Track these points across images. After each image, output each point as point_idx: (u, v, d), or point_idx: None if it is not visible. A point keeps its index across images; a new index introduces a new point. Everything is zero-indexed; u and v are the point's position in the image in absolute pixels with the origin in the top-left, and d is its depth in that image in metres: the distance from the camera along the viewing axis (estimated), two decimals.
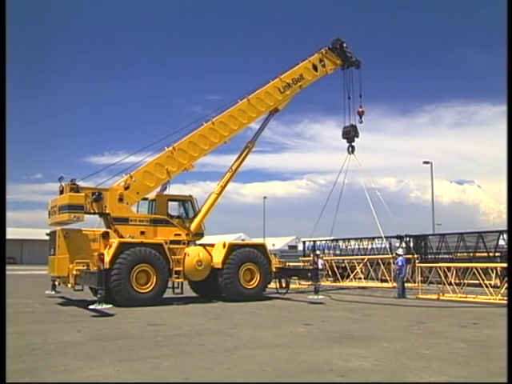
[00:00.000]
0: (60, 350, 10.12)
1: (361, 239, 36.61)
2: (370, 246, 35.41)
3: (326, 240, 39.15)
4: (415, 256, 29.20)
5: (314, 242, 39.40)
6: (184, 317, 16.08)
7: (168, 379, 7.86)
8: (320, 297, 21.21)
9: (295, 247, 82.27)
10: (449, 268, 23.25)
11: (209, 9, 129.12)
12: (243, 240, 59.80)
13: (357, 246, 36.92)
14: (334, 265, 33.12)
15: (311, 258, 25.36)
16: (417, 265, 25.71)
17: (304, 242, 42.10)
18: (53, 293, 21.71)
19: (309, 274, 23.24)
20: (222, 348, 10.41)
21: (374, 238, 34.41)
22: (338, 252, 38.90)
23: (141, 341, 11.35)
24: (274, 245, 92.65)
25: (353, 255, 35.74)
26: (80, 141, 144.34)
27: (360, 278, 31.24)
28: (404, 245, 32.24)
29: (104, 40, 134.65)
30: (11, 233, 78.84)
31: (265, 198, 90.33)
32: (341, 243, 39.17)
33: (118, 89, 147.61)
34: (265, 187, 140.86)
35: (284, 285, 23.64)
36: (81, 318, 15.31)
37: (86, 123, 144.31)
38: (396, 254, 25.25)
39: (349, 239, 38.43)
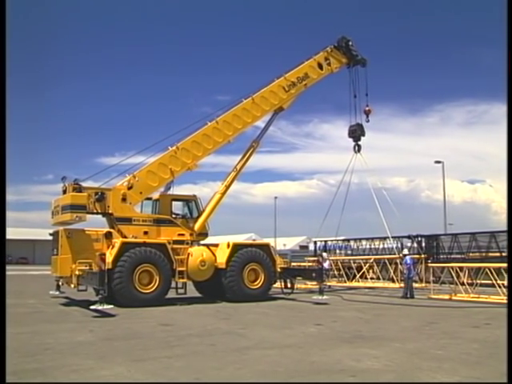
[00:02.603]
0: (72, 350, 10.17)
1: (372, 239, 36.47)
2: (381, 246, 35.27)
3: (338, 240, 39.05)
4: (422, 256, 29.09)
5: (326, 242, 39.29)
6: (195, 317, 16.11)
7: (179, 379, 7.88)
8: (325, 297, 21.01)
9: (306, 247, 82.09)
10: (461, 268, 23.08)
11: (219, 9, 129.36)
12: (254, 240, 59.87)
13: (368, 246, 36.79)
14: (340, 265, 32.94)
15: (316, 259, 25.17)
16: (429, 265, 25.60)
17: (315, 242, 41.97)
18: (57, 293, 21.65)
19: (313, 275, 23.05)
20: (233, 348, 10.42)
21: (385, 238, 34.24)
22: (349, 252, 38.78)
23: (152, 341, 11.39)
24: (285, 245, 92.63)
25: (364, 255, 35.60)
26: (90, 142, 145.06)
27: (366, 278, 31.12)
28: (416, 245, 32.14)
29: (114, 40, 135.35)
30: (23, 233, 79.73)
31: (276, 198, 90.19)
32: (352, 243, 39.06)
33: (127, 89, 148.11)
34: (275, 187, 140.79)
35: (289, 285, 23.45)
36: (91, 318, 15.35)
37: (96, 124, 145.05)
38: (403, 254, 25.13)
39: (360, 239, 38.30)
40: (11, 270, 54.06)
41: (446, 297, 21.52)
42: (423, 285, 27.66)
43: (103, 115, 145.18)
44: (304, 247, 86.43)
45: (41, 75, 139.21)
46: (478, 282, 21.77)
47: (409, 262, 23.30)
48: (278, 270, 22.47)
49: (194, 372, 8.29)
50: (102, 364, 8.85)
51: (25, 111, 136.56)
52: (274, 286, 22.82)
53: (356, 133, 29.28)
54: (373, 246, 36.20)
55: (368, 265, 31.63)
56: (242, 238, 74.52)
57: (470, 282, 22.42)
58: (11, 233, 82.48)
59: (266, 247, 22.65)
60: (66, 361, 9.12)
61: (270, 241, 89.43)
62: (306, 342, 11.13)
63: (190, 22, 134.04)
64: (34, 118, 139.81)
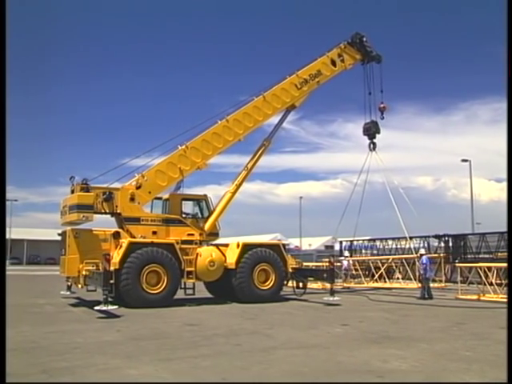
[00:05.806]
0: (100, 349, 10.29)
1: (398, 239, 36.08)
2: (407, 246, 34.88)
3: (363, 240, 38.77)
4: (441, 255, 28.70)
5: (351, 241, 39.03)
6: (221, 317, 16.17)
7: (206, 379, 7.92)
8: (336, 298, 20.46)
9: (332, 247, 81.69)
10: (489, 268, 22.74)
11: (240, 9, 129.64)
12: (279, 240, 59.81)
13: (394, 246, 36.41)
14: (358, 265, 32.61)
15: (327, 259, 24.78)
16: (456, 265, 25.28)
17: (341, 242, 41.72)
18: (68, 293, 21.69)
19: (324, 275, 22.39)
20: (259, 348, 10.44)
21: (410, 238, 33.86)
22: (375, 252, 38.46)
23: (178, 340, 11.46)
24: (310, 245, 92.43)
25: (390, 255, 35.24)
26: (115, 143, 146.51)
27: (385, 278, 30.78)
28: (443, 244, 31.79)
29: (140, 39, 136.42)
30: (50, 234, 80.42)
31: (301, 197, 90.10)
32: (378, 243, 38.72)
33: (149, 90, 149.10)
34: (300, 187, 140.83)
35: (301, 285, 22.98)
36: (118, 318, 15.45)
37: (119, 124, 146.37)
38: (420, 254, 24.82)
39: (386, 239, 37.94)
40: (39, 270, 55.08)
41: (474, 297, 21.24)
42: (443, 284, 27.32)
43: (127, 116, 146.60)
44: (329, 247, 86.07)
45: (65, 76, 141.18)
46: (507, 282, 21.42)
47: (425, 261, 22.97)
48: (290, 270, 22.09)
49: (220, 372, 8.33)
50: (130, 363, 8.94)
51: (49, 114, 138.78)
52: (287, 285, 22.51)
53: (371, 130, 28.90)
54: (399, 246, 35.82)
55: (386, 265, 31.29)
56: (267, 238, 74.63)
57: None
58: (40, 234, 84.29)
59: (276, 247, 22.20)
60: (94, 360, 9.23)
61: (296, 241, 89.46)
62: (332, 343, 11.10)
63: (211, 21, 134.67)
64: (59, 121, 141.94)
